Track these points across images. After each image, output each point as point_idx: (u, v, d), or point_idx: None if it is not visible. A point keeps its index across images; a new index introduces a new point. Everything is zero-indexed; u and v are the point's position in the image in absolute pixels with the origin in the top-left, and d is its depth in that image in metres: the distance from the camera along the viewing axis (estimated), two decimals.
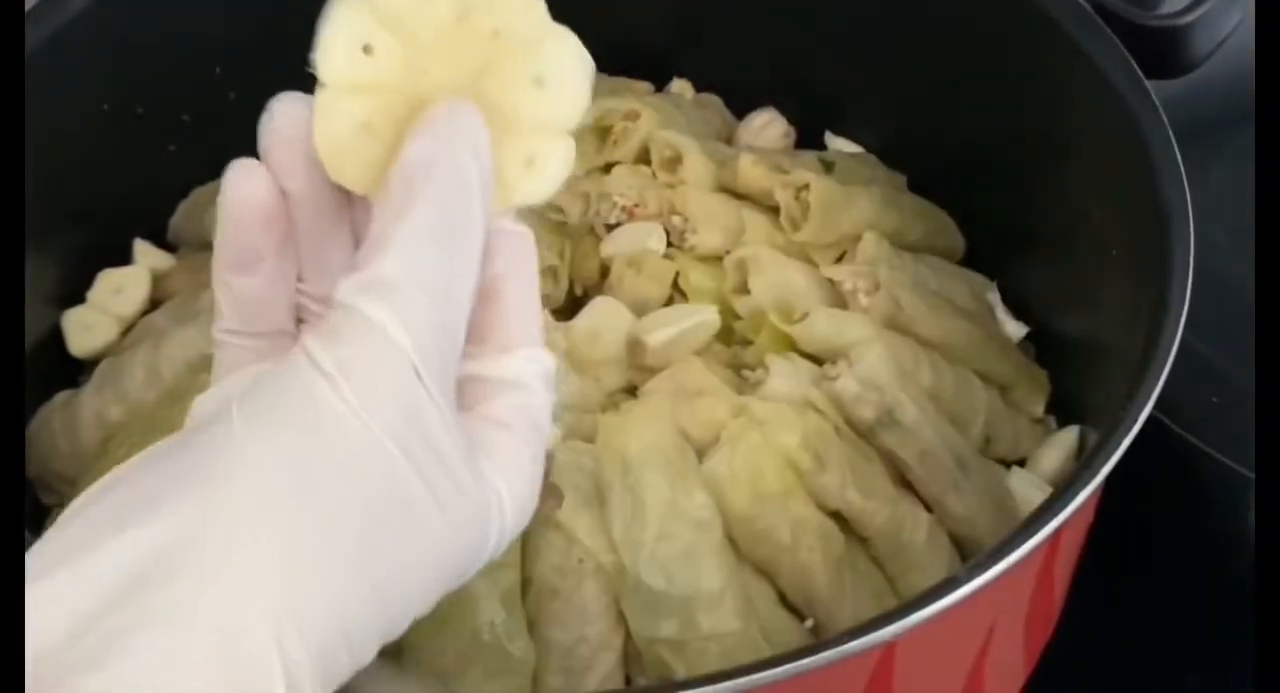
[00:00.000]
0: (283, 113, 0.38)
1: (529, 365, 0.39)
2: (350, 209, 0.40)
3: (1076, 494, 0.47)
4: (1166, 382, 0.50)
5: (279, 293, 0.40)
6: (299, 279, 0.41)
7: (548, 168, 0.39)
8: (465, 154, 0.37)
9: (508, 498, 0.38)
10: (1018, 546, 0.45)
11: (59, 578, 0.32)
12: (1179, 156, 0.56)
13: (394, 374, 0.35)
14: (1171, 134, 0.56)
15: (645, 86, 0.75)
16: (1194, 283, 0.54)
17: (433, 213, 0.36)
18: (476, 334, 0.39)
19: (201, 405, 0.40)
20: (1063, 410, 0.65)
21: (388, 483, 0.34)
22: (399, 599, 0.35)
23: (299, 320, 0.41)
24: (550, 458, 0.52)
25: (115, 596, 0.32)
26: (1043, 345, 0.67)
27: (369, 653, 0.35)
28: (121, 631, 0.31)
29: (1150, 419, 0.49)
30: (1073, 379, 0.64)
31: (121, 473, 0.36)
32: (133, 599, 0.32)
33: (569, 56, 0.39)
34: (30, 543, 0.47)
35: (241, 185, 0.39)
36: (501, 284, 0.39)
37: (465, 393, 0.39)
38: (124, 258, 0.69)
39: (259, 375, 0.36)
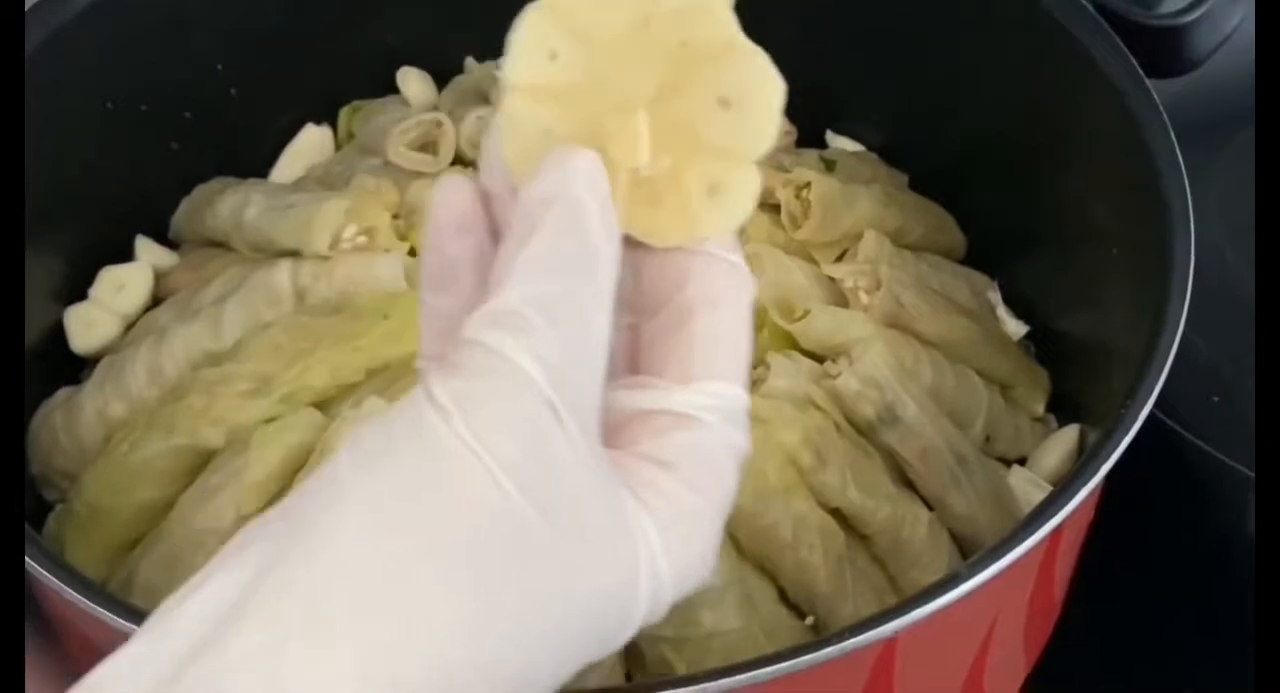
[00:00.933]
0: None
1: (707, 399, 0.35)
2: None
3: (1077, 492, 0.47)
4: (1166, 380, 0.50)
5: None
6: None
7: (731, 199, 0.36)
8: (581, 188, 0.34)
9: (661, 549, 0.33)
10: (1018, 543, 0.45)
11: (150, 635, 0.31)
12: (1180, 155, 0.56)
13: (516, 406, 0.32)
14: (1173, 133, 0.56)
15: None
16: (1196, 282, 0.54)
17: (552, 242, 0.34)
18: (654, 366, 0.36)
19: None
20: (1063, 409, 0.65)
21: (505, 525, 0.31)
22: (519, 667, 0.31)
23: None
24: None
25: (193, 648, 0.30)
26: (1043, 344, 0.67)
27: None
28: (210, 674, 0.29)
29: (1150, 418, 0.49)
30: (1073, 378, 0.64)
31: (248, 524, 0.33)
32: (208, 653, 0.30)
33: (758, 77, 0.36)
34: (29, 540, 0.47)
35: (443, 193, 0.37)
36: (689, 312, 0.35)
37: (629, 428, 0.35)
38: (126, 255, 0.69)
39: (377, 415, 0.33)
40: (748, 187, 0.36)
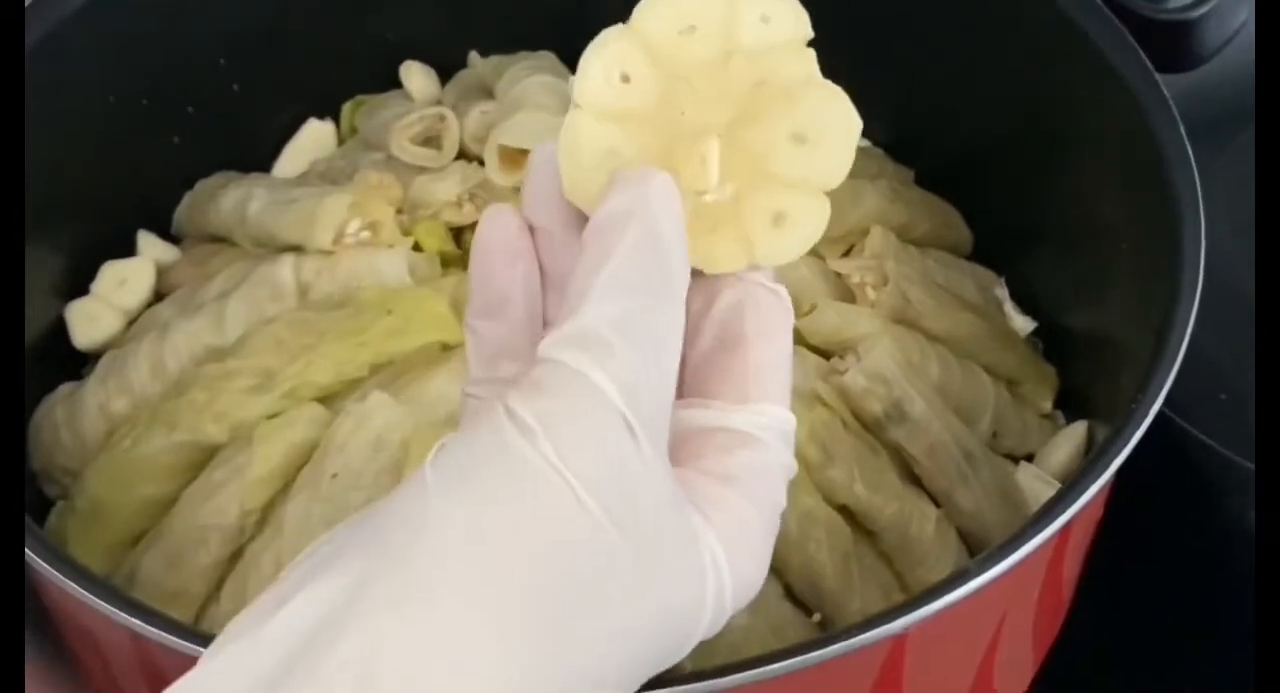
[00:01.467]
0: (541, 149, 0.38)
1: (765, 419, 0.37)
2: None
3: (1086, 489, 0.47)
4: (1175, 378, 0.50)
5: (525, 340, 0.38)
6: (545, 325, 0.39)
7: (797, 228, 0.37)
8: (660, 207, 0.35)
9: (726, 563, 0.35)
10: (1028, 539, 0.45)
11: (239, 644, 0.31)
12: (1190, 151, 0.55)
13: (597, 426, 0.33)
14: (1182, 127, 0.56)
15: None
16: (1203, 277, 0.54)
17: (630, 263, 0.34)
18: (712, 388, 0.37)
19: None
20: (1071, 406, 0.64)
21: (588, 542, 0.32)
22: (597, 678, 0.32)
23: None
24: None
25: (289, 657, 0.30)
26: (1051, 340, 0.67)
27: None
28: (307, 687, 0.30)
29: (1158, 415, 0.48)
30: (1081, 374, 0.64)
31: (320, 539, 0.34)
32: (303, 662, 0.30)
33: (834, 114, 0.37)
34: (31, 534, 0.47)
35: (489, 223, 0.38)
36: (744, 339, 0.37)
37: (688, 446, 0.36)
38: (128, 249, 0.68)
39: (461, 430, 0.34)
40: (816, 217, 0.37)
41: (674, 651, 0.34)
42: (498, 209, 0.38)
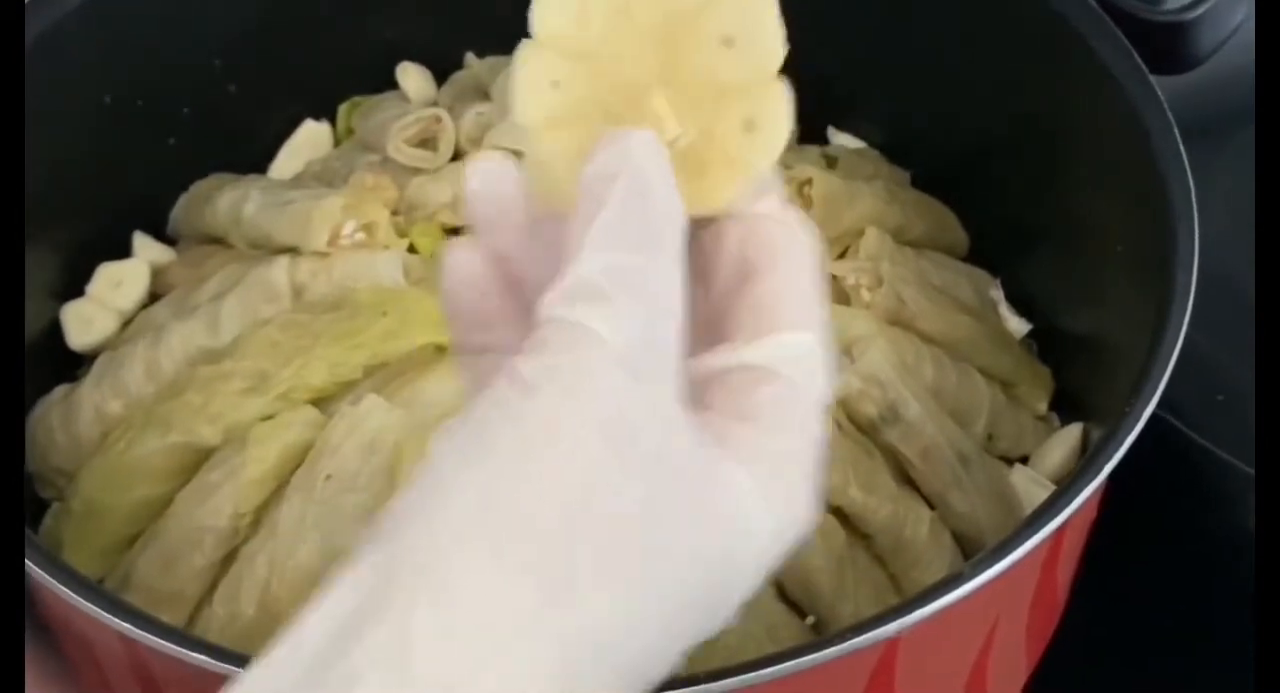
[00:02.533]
0: (476, 173, 0.38)
1: (778, 350, 0.35)
2: None
3: (1080, 492, 0.47)
4: (1170, 379, 0.50)
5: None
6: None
7: (769, 123, 0.36)
8: (643, 157, 0.34)
9: (759, 505, 0.33)
10: (1021, 543, 0.45)
11: (281, 641, 0.31)
12: (1184, 152, 0.55)
13: (602, 376, 0.32)
14: (1176, 130, 0.56)
15: None
16: (1200, 280, 0.54)
17: (620, 213, 0.34)
18: (730, 329, 0.35)
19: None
20: (1066, 407, 0.64)
21: (606, 496, 0.31)
22: (632, 646, 0.31)
23: None
24: None
25: (323, 649, 0.30)
26: (1046, 342, 0.67)
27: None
28: (341, 677, 0.29)
29: (1154, 417, 0.48)
30: (1076, 376, 0.64)
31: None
32: (340, 650, 0.30)
33: (750, 5, 0.36)
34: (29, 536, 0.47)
35: (452, 264, 0.38)
36: (757, 272, 0.35)
37: (710, 390, 0.35)
38: (123, 251, 0.68)
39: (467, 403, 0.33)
40: (779, 106, 0.36)
41: (720, 602, 0.33)
42: (455, 247, 0.38)
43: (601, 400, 0.32)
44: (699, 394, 0.35)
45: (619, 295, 0.33)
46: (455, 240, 0.38)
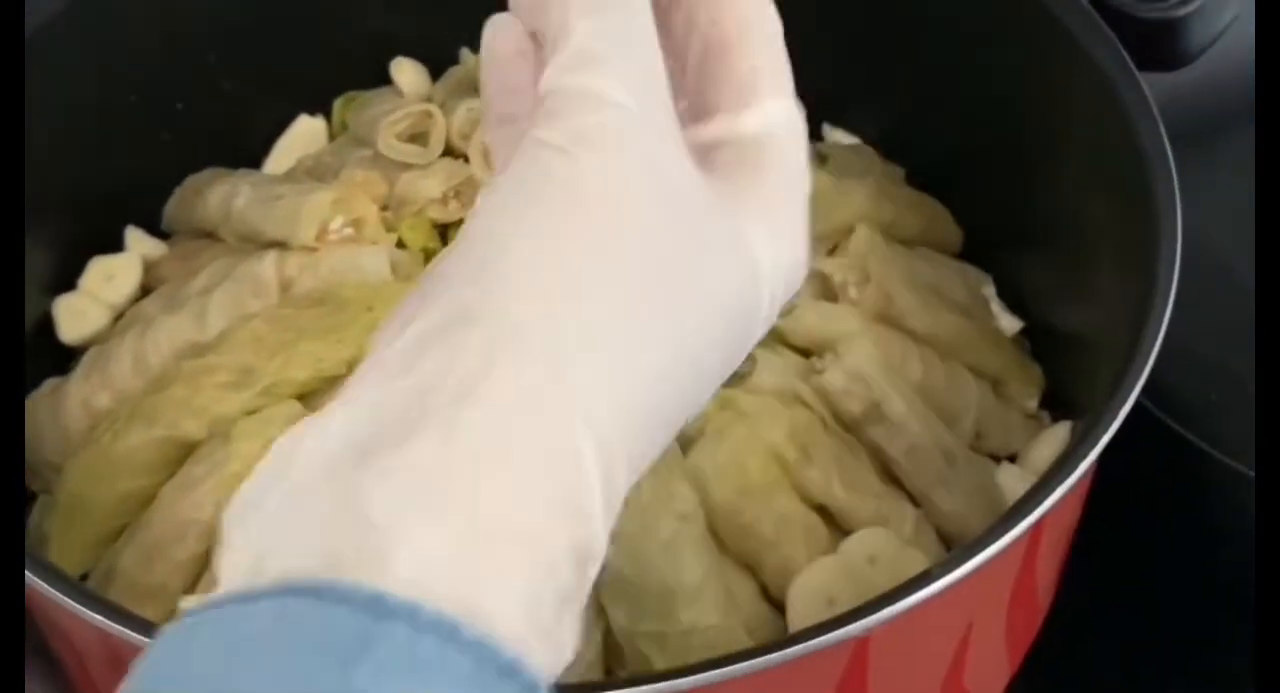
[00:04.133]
0: None
1: (771, 117, 0.36)
2: None
3: (1056, 488, 0.46)
4: (1165, 379, 0.50)
5: None
6: None
7: None
8: None
9: (771, 255, 0.35)
10: (993, 541, 0.45)
11: (349, 391, 0.31)
12: (1169, 149, 0.55)
13: (626, 132, 0.33)
14: (1162, 126, 0.56)
15: None
16: (1196, 280, 0.53)
17: None
18: (711, 100, 0.37)
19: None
20: (1057, 405, 0.64)
21: (642, 240, 0.33)
22: (686, 362, 0.33)
23: None
24: None
25: (407, 380, 0.30)
26: (1038, 340, 0.66)
27: (672, 429, 0.33)
28: (432, 409, 0.30)
29: (1149, 416, 0.48)
30: (1067, 374, 0.64)
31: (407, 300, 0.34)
32: (424, 385, 0.30)
33: None
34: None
35: (494, 31, 0.39)
36: (725, 45, 0.37)
37: (707, 160, 0.36)
38: (116, 245, 0.68)
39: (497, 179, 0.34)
40: None
41: (738, 343, 0.35)
42: (499, 21, 0.39)
43: (635, 156, 0.33)
44: (696, 159, 0.36)
45: (616, 56, 0.34)
46: (497, 17, 0.39)
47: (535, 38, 0.38)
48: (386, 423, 0.30)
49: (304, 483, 0.30)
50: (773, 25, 0.38)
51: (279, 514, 0.30)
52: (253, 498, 0.30)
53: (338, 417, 0.31)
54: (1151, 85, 0.58)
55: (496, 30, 0.39)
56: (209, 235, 0.67)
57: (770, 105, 0.36)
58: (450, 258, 0.33)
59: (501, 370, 0.30)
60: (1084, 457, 0.47)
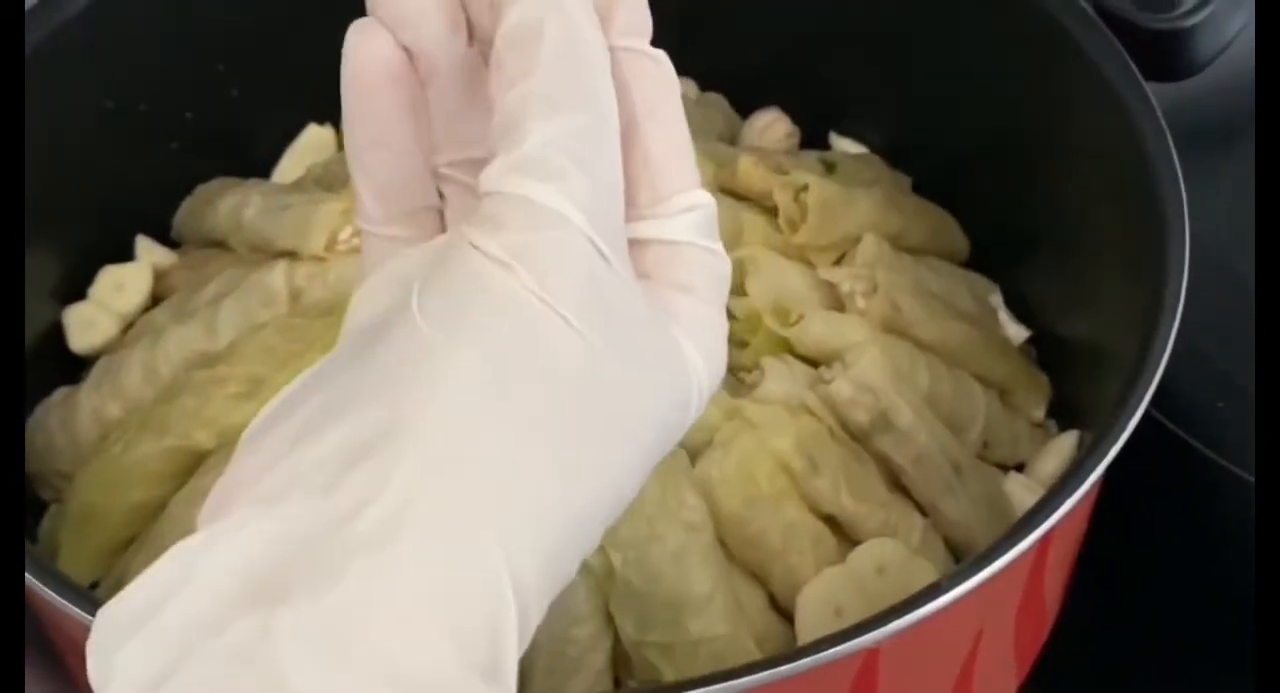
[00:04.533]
0: None
1: (689, 216, 0.36)
2: (483, 67, 0.37)
3: (1065, 499, 0.46)
4: (1172, 386, 0.50)
5: (415, 165, 0.38)
6: (435, 151, 0.38)
7: None
8: (571, 6, 0.34)
9: (701, 361, 0.36)
10: (1003, 552, 0.45)
11: (262, 488, 0.31)
12: (1175, 156, 0.55)
13: (568, 251, 0.32)
14: (1169, 135, 0.56)
15: None
16: (1202, 287, 0.53)
17: (555, 76, 0.33)
18: (627, 191, 0.35)
19: (361, 307, 0.37)
20: (1065, 415, 0.64)
21: (585, 366, 0.32)
22: (614, 487, 0.33)
23: (440, 196, 0.39)
24: None
25: (317, 503, 0.30)
26: (1045, 349, 0.66)
27: (590, 549, 0.33)
28: (353, 548, 0.29)
29: (1156, 424, 0.48)
30: (1075, 383, 0.64)
31: (296, 391, 0.33)
32: (335, 512, 0.30)
33: None
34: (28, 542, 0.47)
35: (360, 46, 0.36)
36: (640, 125, 0.36)
37: (635, 259, 0.36)
38: (126, 254, 0.69)
39: (428, 273, 0.33)
40: None
41: (666, 447, 0.35)
42: (363, 28, 0.36)
43: (579, 277, 0.33)
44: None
45: (570, 169, 0.33)
46: (360, 22, 0.36)
47: (408, 50, 0.36)
48: (304, 555, 0.29)
49: (210, 611, 0.29)
50: (677, 93, 0.37)
51: (181, 640, 0.29)
52: (143, 607, 0.29)
53: (250, 531, 0.30)
54: (1157, 94, 0.59)
55: (357, 42, 0.36)
56: (219, 245, 0.67)
57: (689, 199, 0.36)
58: (378, 347, 0.32)
59: (428, 506, 0.30)
60: (1093, 469, 0.47)
